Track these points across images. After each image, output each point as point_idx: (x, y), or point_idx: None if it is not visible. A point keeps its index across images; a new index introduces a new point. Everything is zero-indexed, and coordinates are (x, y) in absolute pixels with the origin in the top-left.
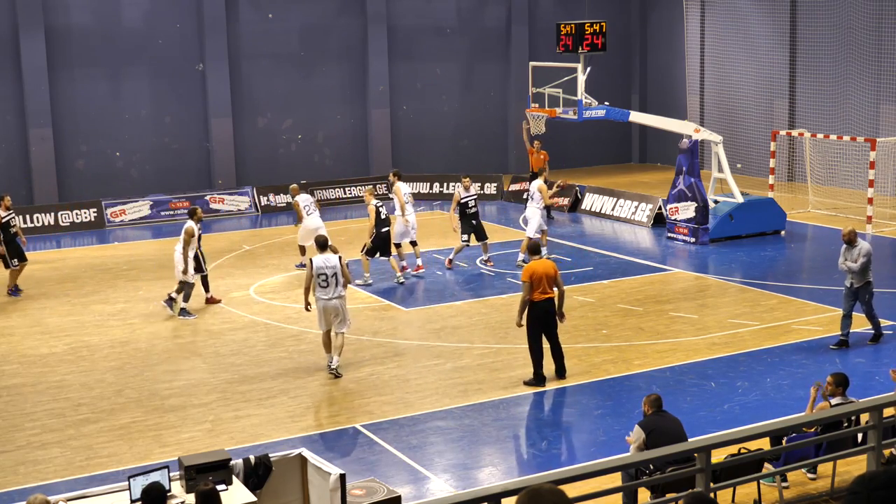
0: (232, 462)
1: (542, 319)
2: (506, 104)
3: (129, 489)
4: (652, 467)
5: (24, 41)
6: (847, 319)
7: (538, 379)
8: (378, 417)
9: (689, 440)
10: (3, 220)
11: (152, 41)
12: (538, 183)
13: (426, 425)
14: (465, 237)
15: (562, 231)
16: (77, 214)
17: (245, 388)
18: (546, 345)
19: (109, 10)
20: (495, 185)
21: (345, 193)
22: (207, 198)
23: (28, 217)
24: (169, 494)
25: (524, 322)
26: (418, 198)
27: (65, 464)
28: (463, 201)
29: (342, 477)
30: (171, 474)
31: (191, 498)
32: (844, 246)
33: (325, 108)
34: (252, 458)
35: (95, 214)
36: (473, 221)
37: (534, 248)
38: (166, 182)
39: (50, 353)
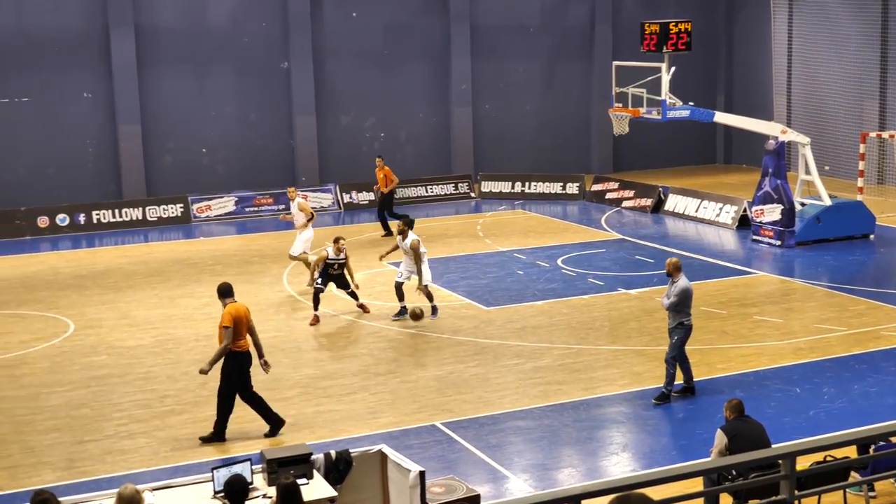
0: (313, 457)
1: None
2: (588, 103)
3: (213, 481)
4: (734, 473)
5: (115, 40)
6: None
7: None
8: (458, 416)
9: (773, 446)
10: None
11: (238, 39)
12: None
13: (506, 425)
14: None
15: (644, 232)
16: (164, 210)
17: (326, 384)
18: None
19: (197, 9)
20: (577, 185)
21: (426, 192)
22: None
23: (116, 212)
24: (251, 487)
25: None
26: (499, 197)
27: (150, 454)
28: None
29: (422, 474)
30: (254, 467)
31: (272, 491)
32: None
33: (407, 106)
34: (333, 453)
35: (182, 210)
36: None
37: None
38: (251, 178)
39: (137, 346)
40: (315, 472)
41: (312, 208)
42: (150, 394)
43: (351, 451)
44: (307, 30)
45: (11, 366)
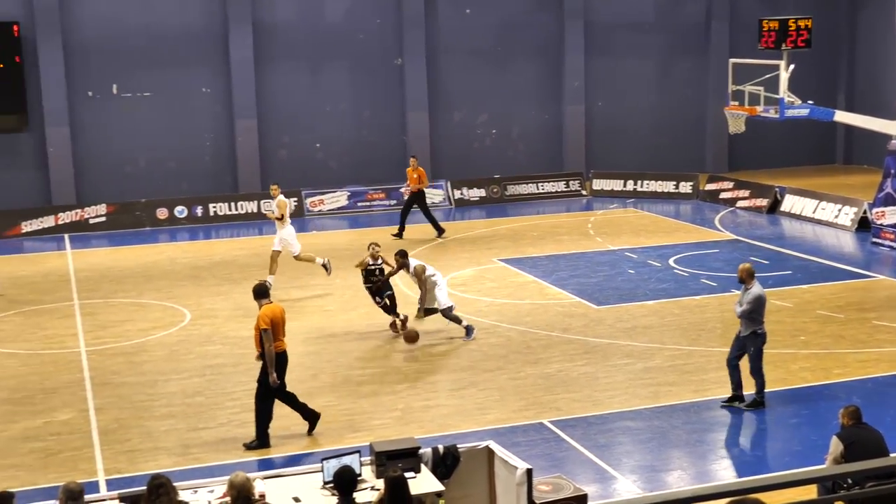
0: (421, 451)
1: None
2: (703, 101)
3: (322, 471)
4: (850, 481)
5: (234, 37)
6: None
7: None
8: (566, 414)
9: (893, 455)
10: None
11: (353, 36)
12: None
13: (614, 425)
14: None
15: (759, 233)
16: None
17: (435, 379)
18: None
19: (313, 7)
20: (691, 184)
21: (537, 189)
22: (402, 190)
23: (232, 205)
24: (359, 479)
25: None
26: (610, 195)
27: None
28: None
29: (529, 472)
30: (362, 459)
31: (380, 483)
32: None
33: (519, 103)
34: (440, 447)
35: (295, 203)
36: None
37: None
38: (363, 174)
39: (250, 336)
40: (423, 466)
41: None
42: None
43: (459, 446)
44: (421, 27)
45: (131, 353)
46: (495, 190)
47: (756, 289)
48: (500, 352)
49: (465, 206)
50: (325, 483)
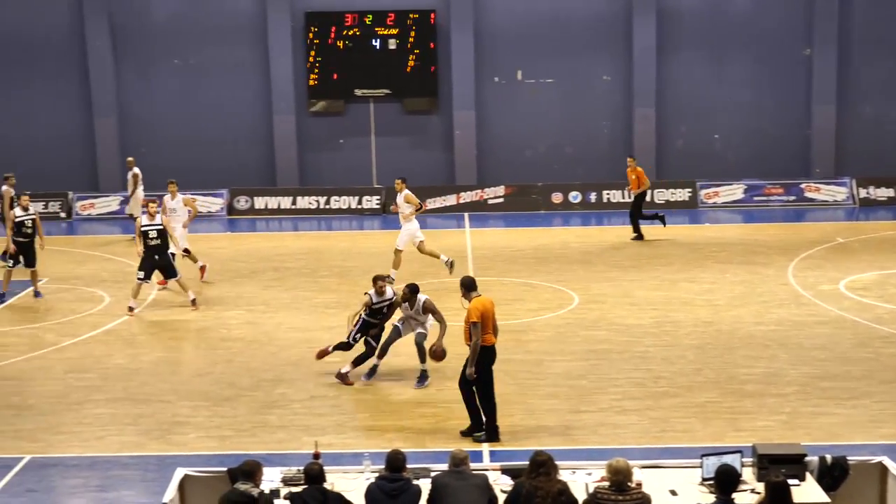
0: (807, 458)
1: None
2: None
3: (702, 467)
4: None
5: (637, 24)
6: None
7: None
8: None
9: None
10: (18, 220)
11: (759, 25)
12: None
13: None
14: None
15: None
16: (672, 193)
17: (826, 385)
18: None
19: None
20: None
21: None
22: (802, 185)
23: (626, 193)
24: (740, 480)
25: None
26: None
27: (641, 432)
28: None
29: None
30: (744, 460)
31: (760, 487)
32: None
33: None
34: (828, 457)
35: (689, 194)
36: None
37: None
38: (761, 167)
39: (636, 325)
40: (808, 474)
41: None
42: (645, 373)
43: (848, 458)
44: (833, 16)
45: (519, 331)
46: None
47: None
48: None
49: (871, 206)
50: (704, 479)
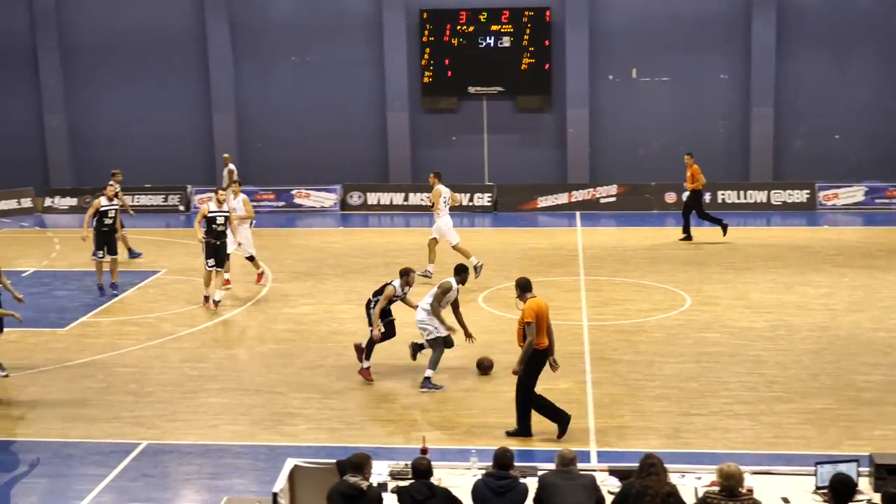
0: None
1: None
2: None
3: (816, 476)
4: None
5: (756, 21)
6: None
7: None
8: None
9: None
10: (103, 209)
11: (885, 22)
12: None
13: None
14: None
15: None
16: (789, 195)
17: None
18: None
19: None
20: None
21: None
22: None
23: (742, 193)
24: (856, 490)
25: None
26: None
27: (753, 437)
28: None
29: None
30: (860, 469)
31: (877, 498)
32: None
33: None
34: None
35: (808, 196)
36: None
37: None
38: (883, 169)
39: (750, 328)
40: None
41: None
42: (758, 377)
43: None
44: None
45: (630, 331)
46: None
47: None
48: None
49: None
50: (818, 488)
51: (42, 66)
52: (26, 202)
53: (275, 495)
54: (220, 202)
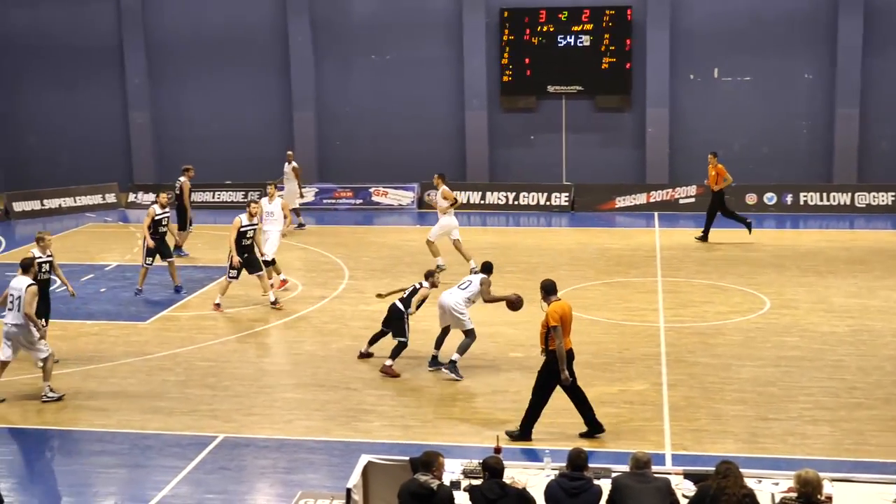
0: None
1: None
2: None
3: None
4: None
5: (842, 20)
6: None
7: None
8: None
9: None
10: (157, 218)
11: None
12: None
13: None
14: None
15: None
16: (874, 197)
17: None
18: None
19: None
20: None
21: None
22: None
23: (824, 195)
24: None
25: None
26: None
27: (832, 443)
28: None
29: None
30: None
31: None
32: None
33: None
34: None
35: (893, 198)
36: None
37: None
38: None
39: (831, 332)
40: None
41: None
42: (838, 382)
43: None
44: None
45: (707, 334)
46: None
47: None
48: None
49: None
50: None
51: (128, 64)
52: (111, 197)
53: (348, 491)
54: (251, 215)
